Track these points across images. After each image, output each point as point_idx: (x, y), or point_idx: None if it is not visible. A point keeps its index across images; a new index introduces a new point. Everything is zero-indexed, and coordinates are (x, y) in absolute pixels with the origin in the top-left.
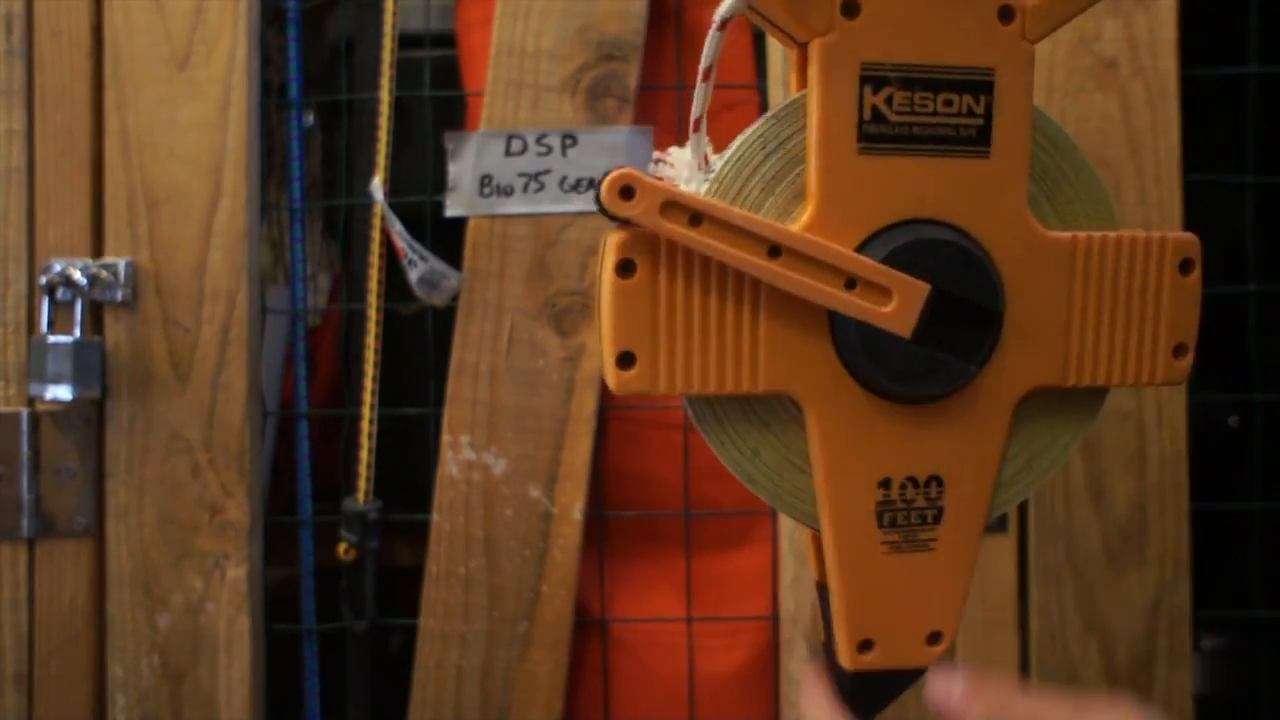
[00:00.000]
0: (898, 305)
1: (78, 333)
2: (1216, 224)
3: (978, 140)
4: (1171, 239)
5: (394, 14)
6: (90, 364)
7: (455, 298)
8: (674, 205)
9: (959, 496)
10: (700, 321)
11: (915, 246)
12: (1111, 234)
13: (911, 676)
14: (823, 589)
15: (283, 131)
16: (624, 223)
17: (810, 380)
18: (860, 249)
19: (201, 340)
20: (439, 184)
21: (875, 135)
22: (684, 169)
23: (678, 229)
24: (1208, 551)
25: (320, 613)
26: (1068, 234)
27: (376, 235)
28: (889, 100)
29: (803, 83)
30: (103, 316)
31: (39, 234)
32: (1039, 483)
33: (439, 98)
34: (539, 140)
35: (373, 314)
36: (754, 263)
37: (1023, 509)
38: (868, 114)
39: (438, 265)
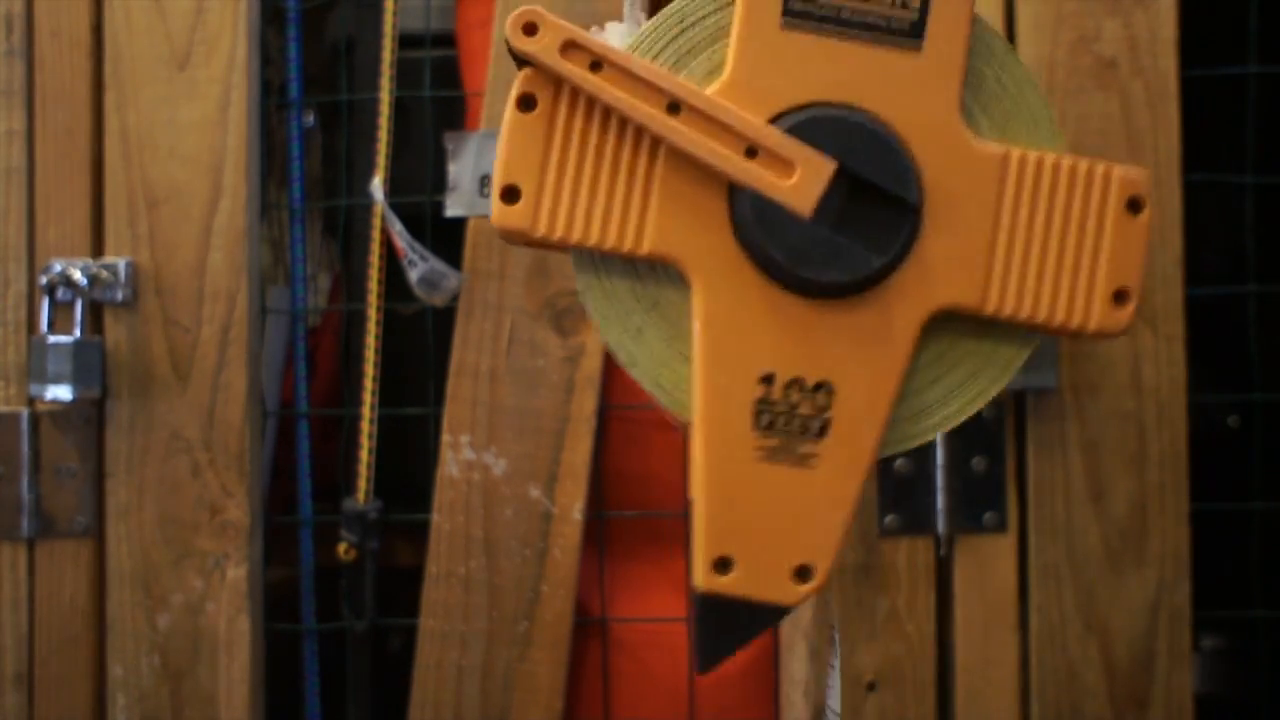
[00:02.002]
0: (800, 180)
1: (78, 333)
2: (1216, 224)
3: (910, 33)
4: (1119, 171)
5: (394, 14)
6: (90, 364)
7: (455, 298)
8: (575, 46)
9: (849, 411)
10: (592, 169)
11: (826, 123)
12: (1051, 155)
13: (771, 615)
14: (689, 504)
15: (283, 131)
16: (526, 62)
17: (699, 249)
18: (773, 121)
19: (201, 340)
20: (439, 184)
21: (801, 12)
22: (616, 38)
23: (576, 70)
24: (1208, 551)
25: (320, 613)
26: (1001, 147)
27: (376, 235)
28: None
29: None
30: (103, 316)
31: (39, 234)
32: (954, 420)
33: (439, 98)
34: None
35: (373, 314)
36: (650, 114)
37: (1022, 509)
38: None
39: (438, 265)
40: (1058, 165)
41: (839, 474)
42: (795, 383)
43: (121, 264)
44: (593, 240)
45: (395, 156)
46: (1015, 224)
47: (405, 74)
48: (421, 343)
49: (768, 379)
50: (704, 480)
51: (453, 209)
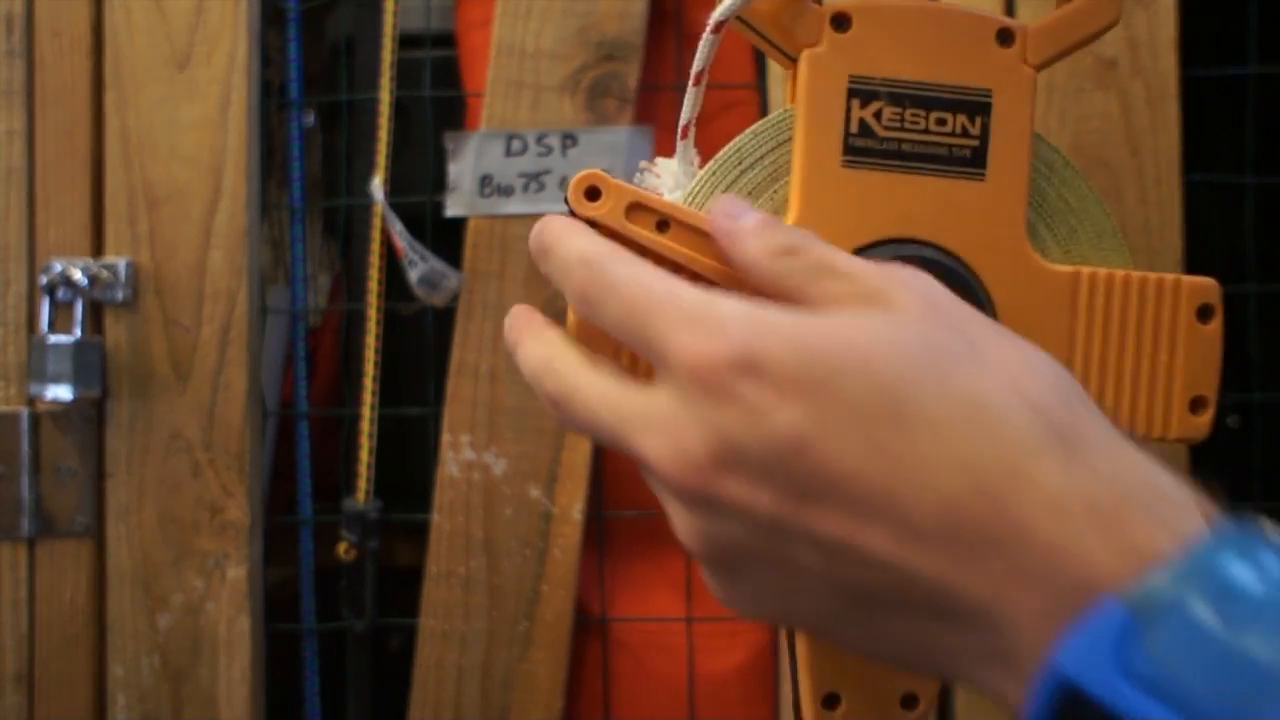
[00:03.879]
0: None
1: (78, 333)
2: (1216, 224)
3: (972, 162)
4: (1188, 282)
5: (394, 14)
6: (90, 364)
7: (455, 298)
8: (640, 208)
9: None
10: None
11: (897, 261)
12: (1120, 272)
13: None
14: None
15: (283, 131)
16: (590, 224)
17: None
18: None
19: (201, 340)
20: (439, 184)
21: (862, 149)
22: (669, 178)
23: (643, 232)
24: None
25: (320, 613)
26: (1070, 268)
27: (376, 235)
28: (878, 115)
29: (795, 97)
30: (103, 316)
31: (39, 234)
32: None
33: (439, 98)
34: (539, 140)
35: (373, 314)
36: (722, 272)
37: None
38: (854, 127)
39: (438, 265)
40: (1127, 280)
41: None
42: None
43: (121, 264)
44: None
45: (395, 156)
46: (1090, 342)
47: (405, 74)
48: (421, 343)
49: None
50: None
51: (453, 209)
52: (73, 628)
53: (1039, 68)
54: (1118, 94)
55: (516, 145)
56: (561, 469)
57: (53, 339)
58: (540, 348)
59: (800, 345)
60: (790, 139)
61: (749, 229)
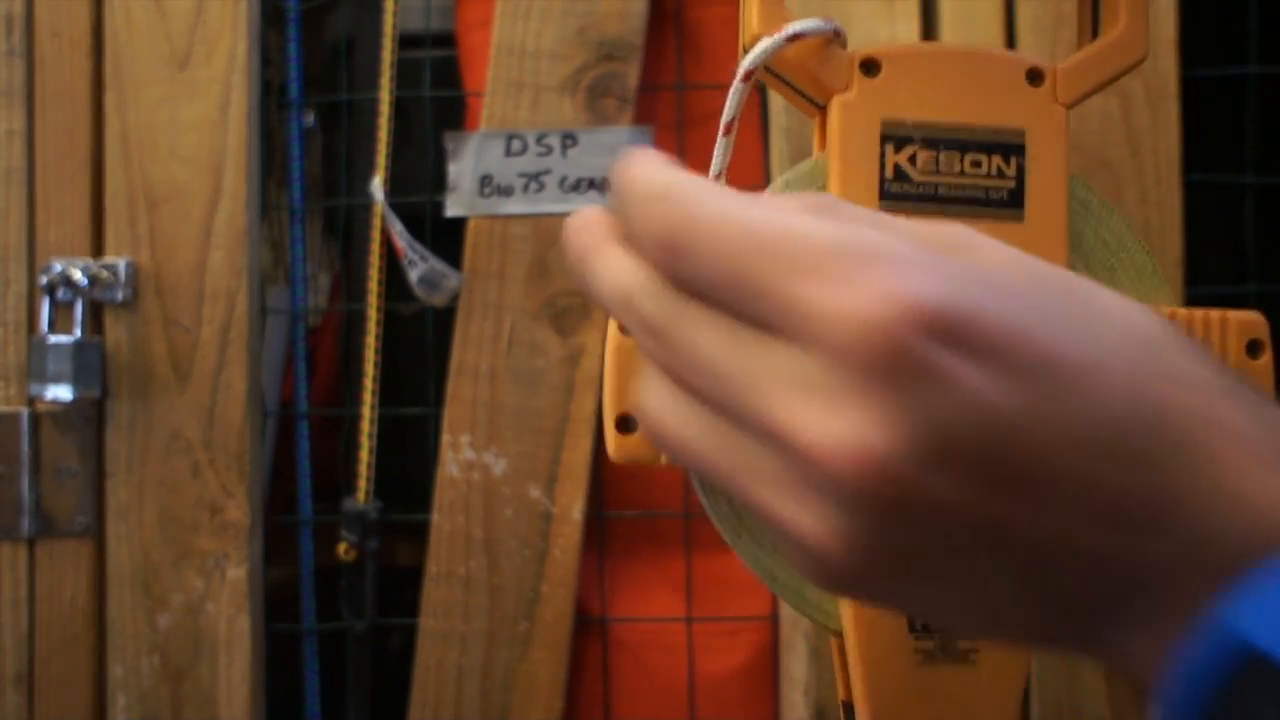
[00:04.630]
0: None
1: (78, 333)
2: (1216, 224)
3: (1010, 203)
4: (1235, 318)
5: (394, 14)
6: (90, 364)
7: (455, 298)
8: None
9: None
10: None
11: None
12: (1166, 309)
13: None
14: (848, 708)
15: (283, 131)
16: None
17: None
18: None
19: (201, 340)
20: (439, 184)
21: (898, 194)
22: None
23: None
24: None
25: (320, 613)
26: None
27: (376, 235)
28: (912, 159)
29: (823, 143)
30: (103, 316)
31: (39, 234)
32: None
33: (439, 98)
34: (539, 140)
35: (373, 314)
36: None
37: None
38: (890, 172)
39: (438, 265)
40: (1173, 316)
41: (1001, 664)
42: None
43: (121, 264)
44: None
45: (395, 156)
46: None
47: (405, 74)
48: (421, 343)
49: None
50: (863, 686)
51: (453, 209)
52: (73, 628)
53: (1070, 105)
54: (1118, 94)
55: (516, 145)
56: (561, 469)
57: (53, 339)
58: (623, 273)
59: (1004, 306)
60: (820, 188)
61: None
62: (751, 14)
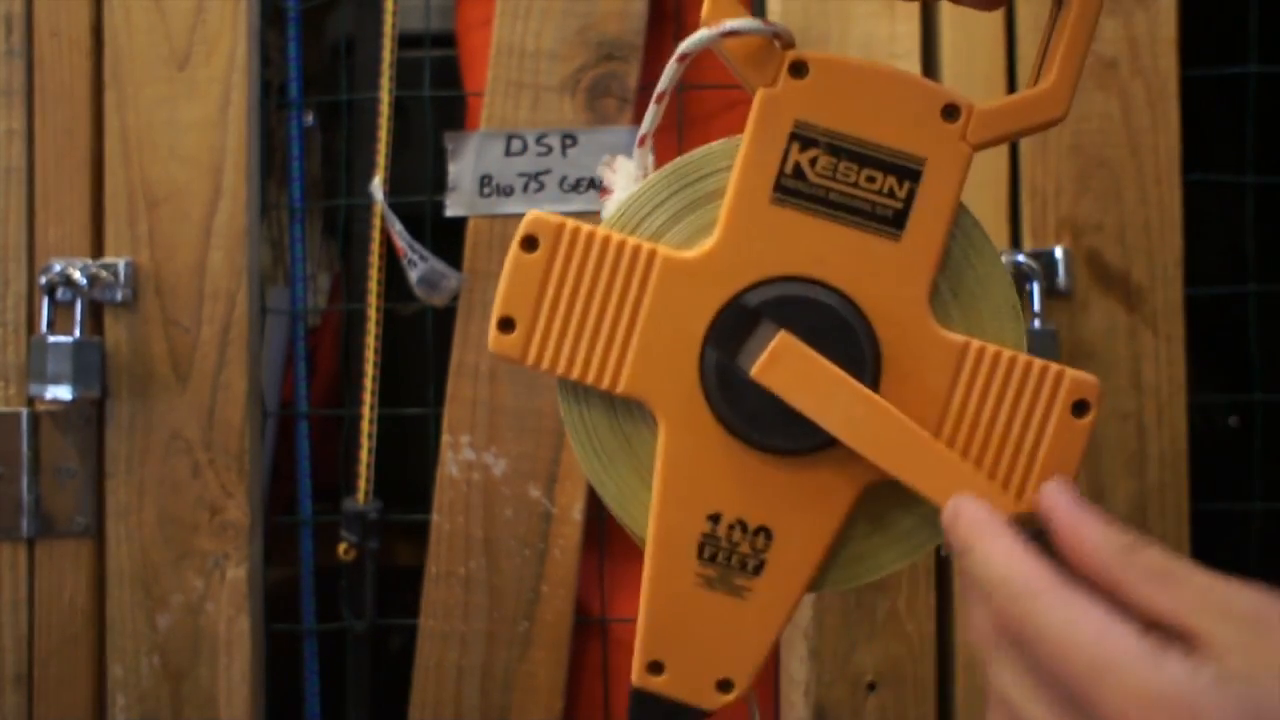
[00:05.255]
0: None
1: (78, 333)
2: (1216, 224)
3: (892, 222)
4: (1070, 376)
5: (394, 14)
6: (90, 364)
7: (455, 298)
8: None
9: (784, 555)
10: (581, 311)
11: (797, 299)
12: (1008, 352)
13: (693, 714)
14: None
15: (283, 131)
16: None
17: (668, 395)
18: (747, 290)
19: (201, 340)
20: (439, 184)
21: (791, 190)
22: (624, 179)
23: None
24: (1208, 551)
25: (320, 613)
26: (962, 339)
27: (376, 235)
28: (813, 161)
29: None
30: (103, 316)
31: (39, 234)
32: (886, 570)
33: (439, 98)
34: (539, 140)
35: (373, 314)
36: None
37: None
38: (789, 169)
39: (438, 265)
40: (1013, 361)
41: (767, 607)
42: (738, 524)
43: (121, 264)
44: (576, 374)
45: (395, 156)
46: (964, 411)
47: (405, 74)
48: (421, 343)
49: (715, 518)
50: (648, 594)
51: (453, 209)
52: (72, 628)
53: (977, 148)
54: (1118, 94)
55: (516, 145)
56: (561, 469)
57: (52, 339)
58: (1008, 566)
59: None
60: (725, 168)
61: (1094, 521)
62: (707, 3)
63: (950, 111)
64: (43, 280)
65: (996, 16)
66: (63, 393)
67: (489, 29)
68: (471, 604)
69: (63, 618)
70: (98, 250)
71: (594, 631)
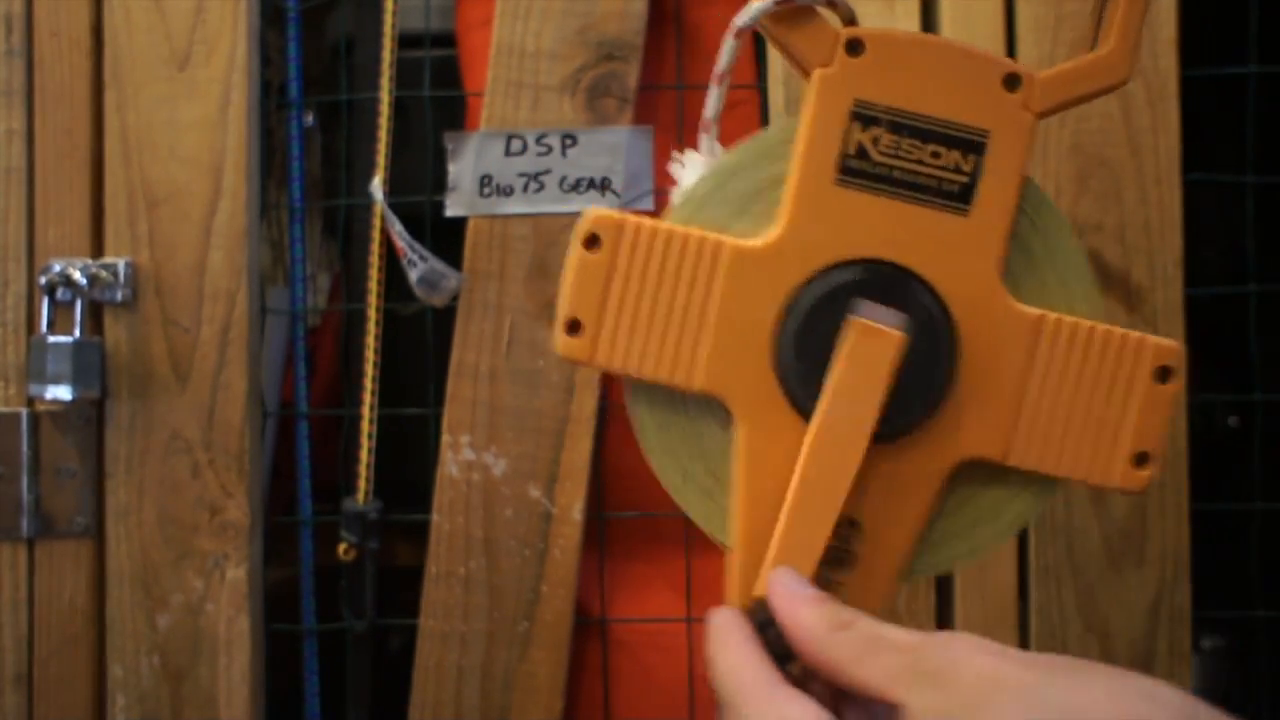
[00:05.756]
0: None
1: (78, 333)
2: (1216, 224)
3: (959, 197)
4: (1152, 342)
5: (394, 14)
6: (90, 364)
7: (455, 298)
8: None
9: (875, 546)
10: (649, 307)
11: (868, 283)
12: (1086, 322)
13: None
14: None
15: (283, 131)
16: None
17: (745, 388)
18: (818, 276)
19: (201, 340)
20: (439, 184)
21: (855, 170)
22: (691, 171)
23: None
24: (1208, 551)
25: (320, 613)
26: (1038, 311)
27: (376, 235)
28: (875, 140)
29: None
30: (103, 316)
31: (39, 234)
32: (976, 555)
33: (439, 98)
34: (539, 140)
35: (373, 314)
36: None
37: None
38: (852, 149)
39: (438, 265)
40: (1091, 331)
41: (859, 600)
42: None
43: (121, 264)
44: (649, 373)
45: (395, 156)
46: (1045, 385)
47: (405, 74)
48: (421, 343)
49: None
50: (736, 600)
51: (453, 209)
52: (72, 628)
53: (1041, 115)
54: (1118, 94)
55: (516, 145)
56: (561, 469)
57: (52, 339)
58: (729, 673)
59: None
60: (789, 152)
61: (808, 603)
62: None
63: (1011, 81)
64: (43, 280)
65: (997, 10)
66: (63, 393)
67: (489, 29)
68: (471, 604)
69: (63, 618)
70: (98, 250)
71: (594, 631)
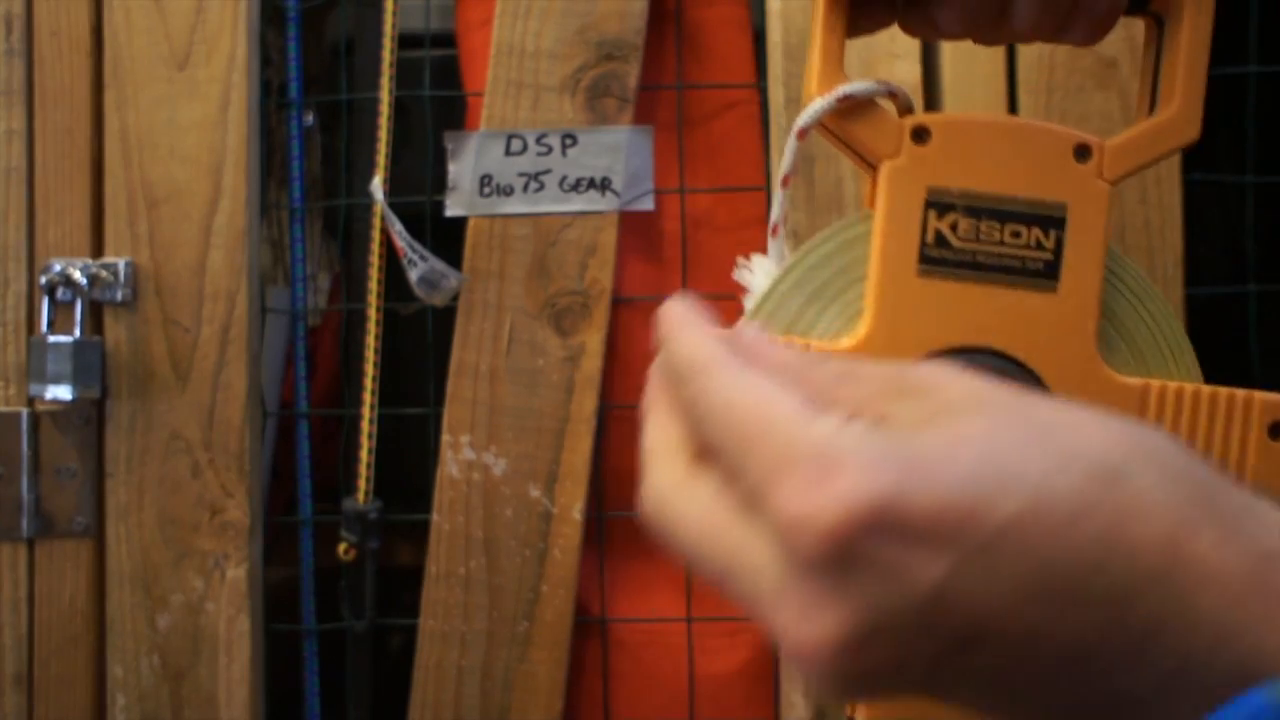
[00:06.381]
0: None
1: (78, 333)
2: (1216, 224)
3: (1045, 274)
4: (1260, 399)
5: (394, 14)
6: (90, 364)
7: (455, 298)
8: None
9: None
10: None
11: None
12: (1190, 386)
13: None
14: None
15: (283, 131)
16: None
17: None
18: None
19: (201, 340)
20: (439, 184)
21: (937, 259)
22: (761, 275)
23: None
24: None
25: (320, 613)
26: (1140, 381)
27: (376, 235)
28: (954, 226)
29: (873, 201)
30: (103, 316)
31: (39, 234)
32: None
33: (439, 98)
34: (539, 140)
35: (373, 314)
36: None
37: None
38: (930, 238)
39: (438, 265)
40: (1197, 394)
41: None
42: None
43: (121, 264)
44: None
45: (395, 156)
46: None
47: (405, 74)
48: (421, 343)
49: None
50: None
51: (453, 209)
52: (72, 628)
53: (1115, 182)
54: (1118, 94)
55: (516, 145)
56: (561, 469)
57: (52, 339)
58: (654, 434)
59: (933, 484)
60: (859, 242)
61: (785, 346)
62: (811, 75)
63: (1082, 152)
64: (43, 280)
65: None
66: (63, 393)
67: (489, 29)
68: (471, 604)
69: (63, 618)
70: (98, 250)
71: (594, 631)
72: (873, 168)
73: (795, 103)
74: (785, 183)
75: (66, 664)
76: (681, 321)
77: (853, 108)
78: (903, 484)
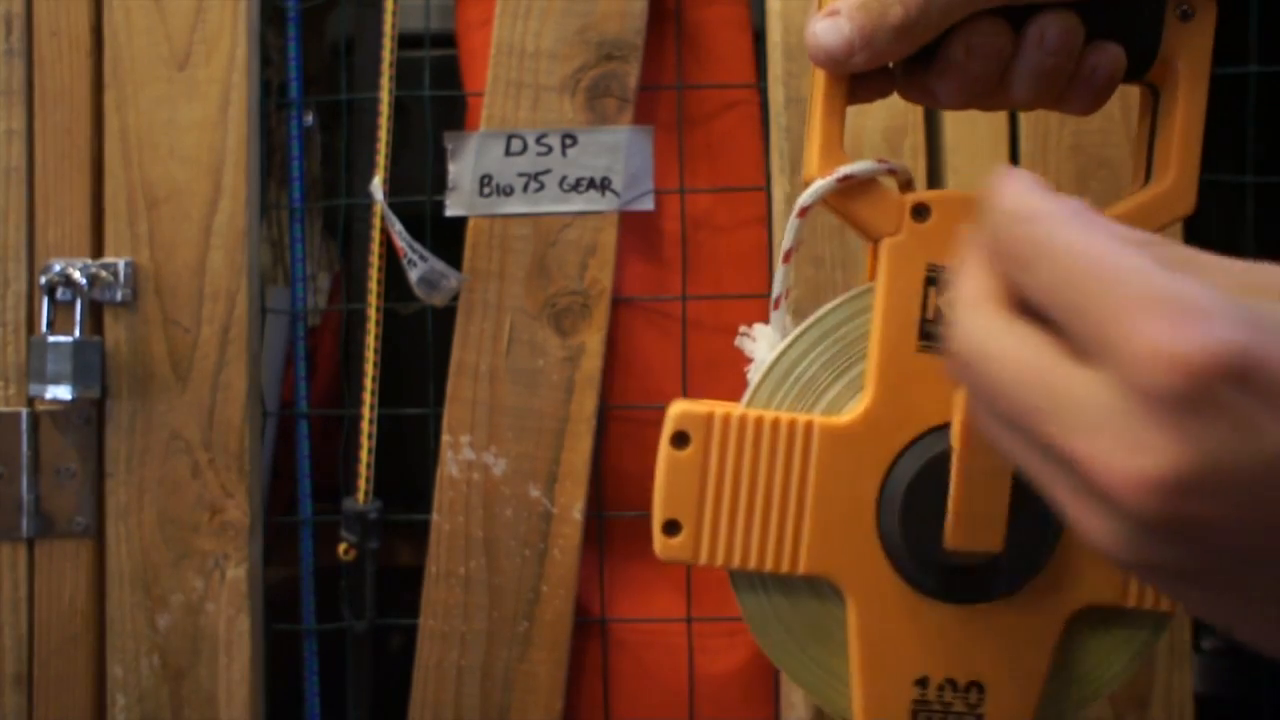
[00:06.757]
0: None
1: (78, 333)
2: (1216, 224)
3: None
4: None
5: (394, 14)
6: (90, 364)
7: (455, 298)
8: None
9: (1001, 705)
10: (748, 498)
11: None
12: None
13: None
14: None
15: (283, 131)
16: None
17: (852, 567)
18: (913, 444)
19: (201, 340)
20: (439, 184)
21: (936, 335)
22: (764, 346)
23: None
24: None
25: (320, 613)
26: None
27: (376, 235)
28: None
29: (874, 274)
30: (103, 316)
31: (39, 234)
32: (1099, 696)
33: (439, 98)
34: (539, 140)
35: (373, 314)
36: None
37: None
38: (930, 314)
39: (438, 265)
40: None
41: None
42: (948, 684)
43: (121, 264)
44: (753, 564)
45: (395, 156)
46: None
47: (405, 74)
48: (421, 343)
49: (922, 682)
50: None
51: (453, 209)
52: (72, 628)
53: None
54: (1118, 94)
55: (516, 145)
56: (561, 469)
57: (52, 339)
58: (968, 285)
59: None
60: (862, 315)
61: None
62: (812, 154)
63: None
64: (43, 280)
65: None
66: (63, 393)
67: (489, 29)
68: (471, 604)
69: (63, 618)
70: (98, 250)
71: (594, 631)
72: (875, 241)
73: (795, 103)
74: (787, 258)
75: (66, 664)
76: (1019, 180)
77: (854, 186)
78: (1269, 345)
